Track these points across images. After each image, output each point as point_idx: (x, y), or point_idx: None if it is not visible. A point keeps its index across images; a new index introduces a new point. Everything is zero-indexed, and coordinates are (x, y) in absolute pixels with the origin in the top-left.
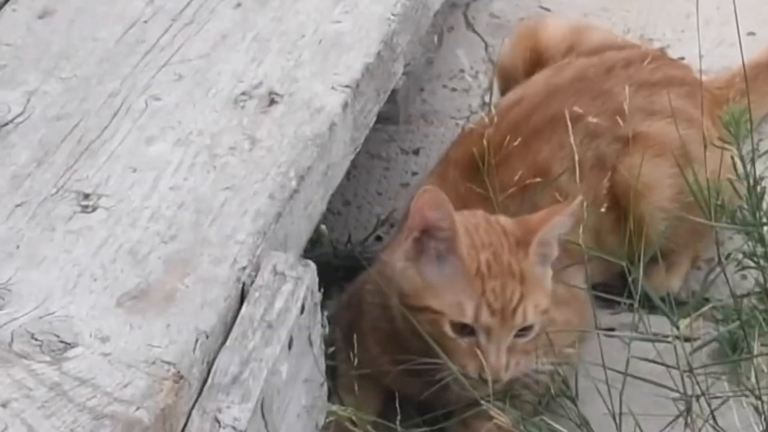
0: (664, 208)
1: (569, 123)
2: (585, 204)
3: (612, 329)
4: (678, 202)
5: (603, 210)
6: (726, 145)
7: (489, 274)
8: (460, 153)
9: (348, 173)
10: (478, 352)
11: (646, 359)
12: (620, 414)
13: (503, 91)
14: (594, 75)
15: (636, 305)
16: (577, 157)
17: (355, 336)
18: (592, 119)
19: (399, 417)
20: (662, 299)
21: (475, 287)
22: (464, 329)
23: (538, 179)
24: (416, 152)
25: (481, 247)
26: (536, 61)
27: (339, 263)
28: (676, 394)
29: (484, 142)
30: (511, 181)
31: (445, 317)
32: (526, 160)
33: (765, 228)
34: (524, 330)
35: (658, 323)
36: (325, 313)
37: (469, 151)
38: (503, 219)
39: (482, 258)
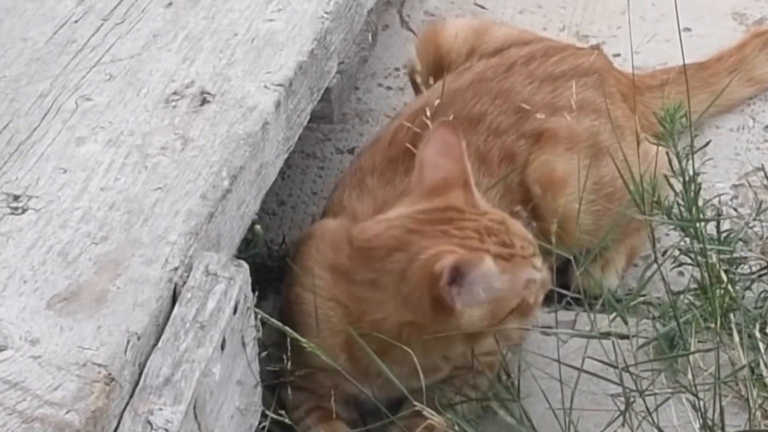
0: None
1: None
2: (497, 196)
3: (549, 327)
4: (594, 194)
5: (516, 207)
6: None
7: None
8: (376, 160)
9: (282, 173)
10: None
11: (588, 357)
12: (564, 410)
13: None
14: (493, 75)
15: (584, 303)
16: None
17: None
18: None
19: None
20: (597, 297)
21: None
22: None
23: None
24: (351, 151)
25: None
26: (439, 64)
27: (274, 264)
28: (615, 391)
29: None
30: None
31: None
32: None
33: (701, 224)
34: None
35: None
36: (259, 316)
37: (385, 157)
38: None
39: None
